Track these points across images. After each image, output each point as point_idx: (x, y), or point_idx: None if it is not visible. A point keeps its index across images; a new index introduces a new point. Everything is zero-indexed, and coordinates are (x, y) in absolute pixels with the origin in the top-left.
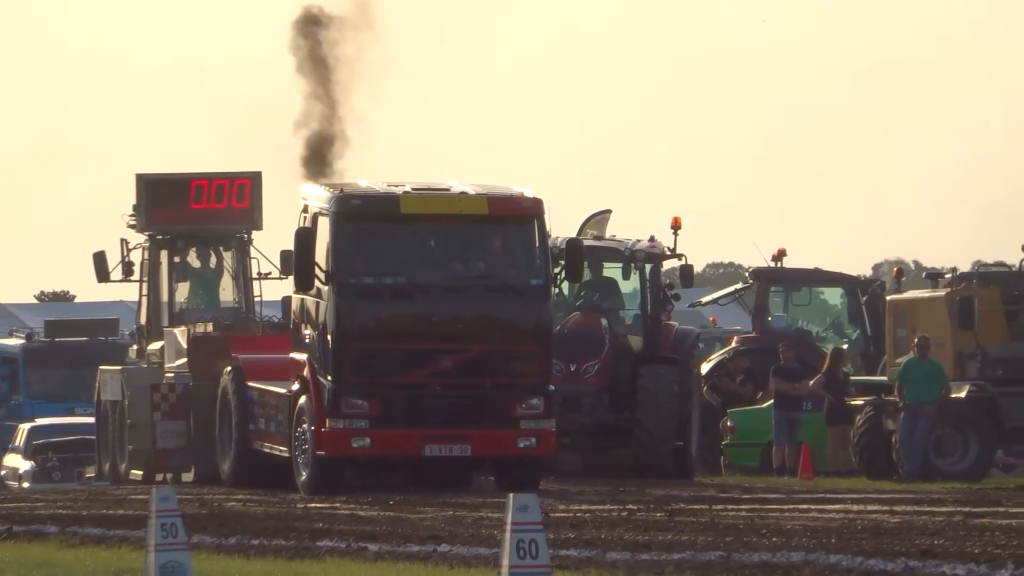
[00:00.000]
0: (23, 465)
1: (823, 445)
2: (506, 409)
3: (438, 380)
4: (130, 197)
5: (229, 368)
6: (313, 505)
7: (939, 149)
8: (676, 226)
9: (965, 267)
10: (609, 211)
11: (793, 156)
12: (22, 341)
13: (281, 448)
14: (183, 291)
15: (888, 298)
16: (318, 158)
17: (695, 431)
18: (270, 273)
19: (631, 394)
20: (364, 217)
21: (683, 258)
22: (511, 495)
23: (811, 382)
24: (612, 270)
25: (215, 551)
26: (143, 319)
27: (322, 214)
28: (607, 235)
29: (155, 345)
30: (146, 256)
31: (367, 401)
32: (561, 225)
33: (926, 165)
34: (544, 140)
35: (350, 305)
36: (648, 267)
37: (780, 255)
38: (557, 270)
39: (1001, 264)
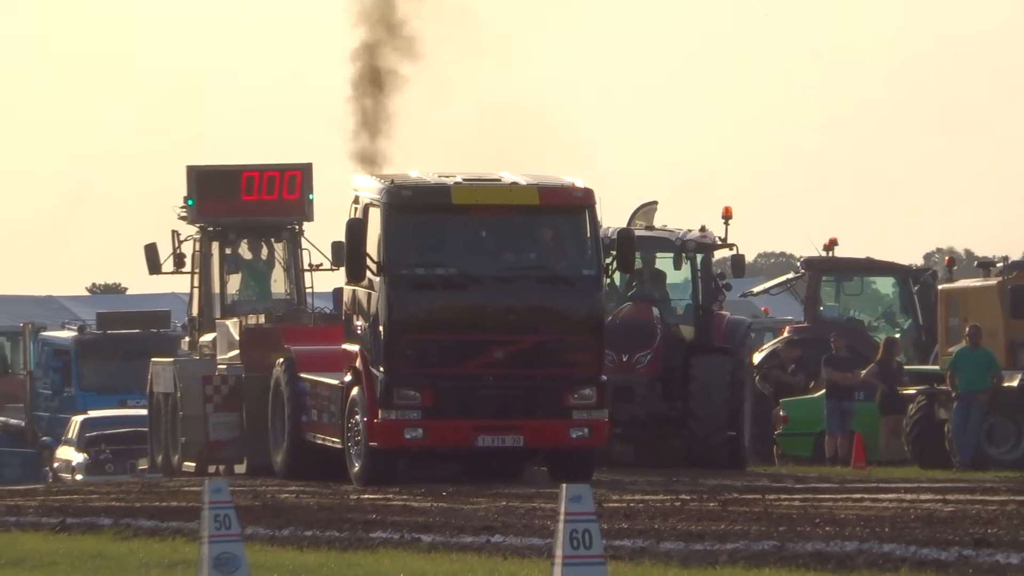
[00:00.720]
0: (76, 457)
1: (875, 434)
2: (559, 399)
3: (490, 371)
4: (181, 189)
5: (281, 359)
6: (366, 496)
7: (991, 138)
8: (727, 216)
9: (1017, 256)
10: (656, 202)
11: (844, 145)
12: (74, 333)
13: (334, 439)
14: (235, 283)
15: (940, 287)
16: (368, 135)
17: (748, 421)
18: (321, 264)
19: (683, 384)
20: (415, 208)
21: (734, 248)
22: (564, 485)
23: (863, 372)
24: (663, 260)
25: (268, 543)
26: (195, 311)
27: (373, 205)
28: (657, 225)
29: (207, 337)
30: (197, 248)
31: (419, 392)
32: (611, 216)
33: (977, 154)
34: (594, 130)
35: (402, 296)
36: (699, 257)
37: (831, 244)
38: (608, 260)
39: None
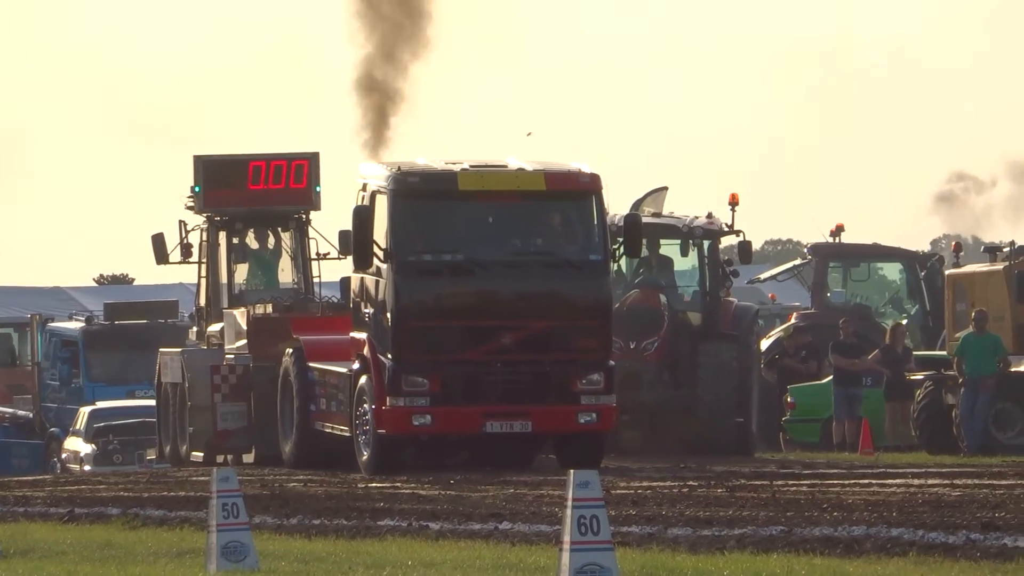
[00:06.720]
0: (84, 448)
1: (883, 420)
2: (567, 385)
3: (498, 357)
4: (188, 179)
5: (290, 349)
6: (374, 484)
7: (999, 123)
8: (734, 202)
9: (1023, 241)
10: (665, 188)
11: (851, 132)
12: (82, 324)
13: (342, 428)
14: (242, 272)
15: (947, 272)
16: (379, 118)
17: (755, 407)
18: (328, 253)
19: (691, 371)
20: (422, 194)
21: (741, 234)
22: (572, 471)
23: (870, 357)
24: (670, 247)
25: (276, 531)
26: (202, 301)
27: (380, 192)
28: (664, 212)
29: (215, 327)
30: (205, 238)
31: (427, 379)
32: (618, 203)
33: (984, 139)
34: (601, 116)
35: (409, 283)
36: (706, 243)
37: (838, 230)
38: (615, 246)
39: None
